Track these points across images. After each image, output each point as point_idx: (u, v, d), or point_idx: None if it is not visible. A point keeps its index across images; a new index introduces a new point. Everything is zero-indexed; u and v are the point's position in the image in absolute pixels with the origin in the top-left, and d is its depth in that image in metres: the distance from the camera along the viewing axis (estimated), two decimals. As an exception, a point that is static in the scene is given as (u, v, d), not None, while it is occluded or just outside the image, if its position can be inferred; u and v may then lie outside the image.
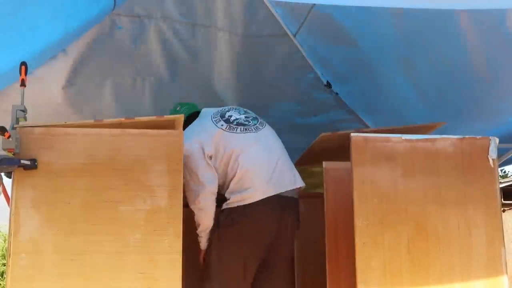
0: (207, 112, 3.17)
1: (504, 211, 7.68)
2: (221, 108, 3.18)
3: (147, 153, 2.47)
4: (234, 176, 2.91)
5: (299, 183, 3.04)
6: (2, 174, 2.53)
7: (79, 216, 2.39)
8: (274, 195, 2.91)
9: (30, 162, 2.34)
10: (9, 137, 2.31)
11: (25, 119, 2.44)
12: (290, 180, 3.01)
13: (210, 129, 3.01)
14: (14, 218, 2.36)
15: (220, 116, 3.10)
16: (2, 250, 10.28)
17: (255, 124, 3.09)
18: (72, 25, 3.21)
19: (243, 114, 3.15)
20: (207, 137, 2.97)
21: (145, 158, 2.47)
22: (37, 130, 2.42)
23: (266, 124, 3.13)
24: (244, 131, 3.04)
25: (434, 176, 2.67)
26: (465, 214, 2.65)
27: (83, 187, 2.41)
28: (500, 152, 2.90)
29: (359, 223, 2.59)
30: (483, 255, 2.62)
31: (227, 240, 2.89)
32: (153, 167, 2.47)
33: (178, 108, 3.23)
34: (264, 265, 2.94)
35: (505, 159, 3.51)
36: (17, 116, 2.41)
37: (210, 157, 2.94)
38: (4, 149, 2.34)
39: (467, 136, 2.71)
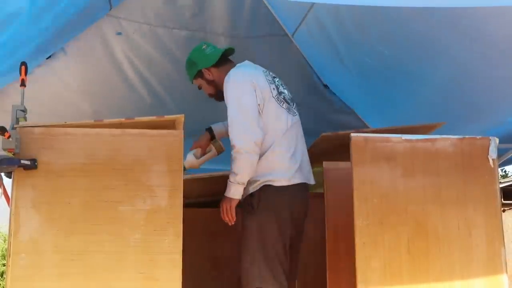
0: (254, 65, 2.98)
1: (504, 211, 7.68)
2: (265, 69, 2.99)
3: (147, 153, 2.47)
4: (270, 151, 2.79)
5: (312, 180, 3.00)
6: (2, 174, 2.53)
7: (79, 216, 2.39)
8: (304, 183, 2.89)
9: (30, 162, 2.34)
10: (9, 137, 2.30)
11: (25, 119, 2.44)
12: (309, 173, 2.97)
13: (264, 84, 2.85)
14: (14, 218, 2.35)
15: (272, 78, 2.95)
16: (2, 250, 10.28)
17: (293, 107, 2.98)
18: (63, 17, 3.16)
19: (286, 89, 3.00)
20: (261, 88, 2.82)
21: (145, 158, 2.47)
22: (37, 130, 2.42)
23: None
24: (288, 110, 2.92)
25: (434, 176, 2.67)
26: (465, 214, 2.65)
27: (83, 187, 2.41)
28: (500, 152, 2.90)
29: (359, 223, 2.59)
30: (483, 255, 2.62)
31: (267, 222, 2.77)
32: (153, 167, 2.46)
33: (204, 47, 3.05)
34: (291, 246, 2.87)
35: (505, 159, 3.52)
36: (17, 116, 2.41)
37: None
38: (4, 149, 2.34)
39: (467, 136, 2.71)
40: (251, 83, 2.81)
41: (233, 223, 2.83)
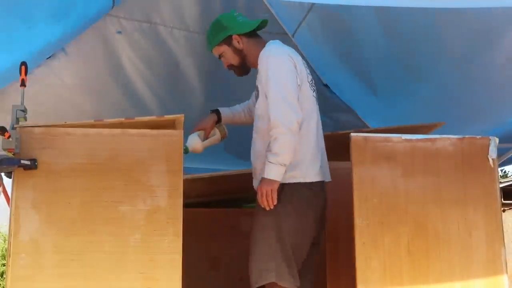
0: (288, 46, 2.76)
1: (504, 211, 7.68)
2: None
3: (147, 153, 2.47)
4: (301, 143, 2.61)
5: (329, 177, 2.84)
6: (2, 174, 2.53)
7: (79, 216, 2.39)
8: (323, 181, 2.75)
9: (30, 162, 2.34)
10: (9, 137, 2.31)
11: (25, 119, 2.44)
12: (327, 170, 2.82)
13: (302, 66, 2.68)
14: (14, 218, 2.36)
15: (305, 62, 2.78)
16: (2, 250, 10.28)
17: (317, 97, 2.79)
18: (70, 23, 3.21)
19: (311, 75, 2.79)
20: (299, 69, 2.65)
21: (145, 158, 2.47)
22: (37, 130, 2.42)
23: None
24: (316, 99, 2.76)
25: (434, 176, 2.66)
26: (465, 214, 2.65)
27: (83, 187, 2.41)
28: (500, 152, 2.90)
29: (359, 223, 2.59)
30: (483, 255, 2.62)
31: (287, 218, 2.61)
32: (153, 167, 2.46)
33: (235, 14, 2.83)
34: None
35: (505, 159, 3.52)
36: (17, 116, 2.41)
37: None
38: (4, 149, 2.34)
39: (467, 136, 2.71)
40: (293, 62, 2.64)
41: (272, 208, 2.58)
